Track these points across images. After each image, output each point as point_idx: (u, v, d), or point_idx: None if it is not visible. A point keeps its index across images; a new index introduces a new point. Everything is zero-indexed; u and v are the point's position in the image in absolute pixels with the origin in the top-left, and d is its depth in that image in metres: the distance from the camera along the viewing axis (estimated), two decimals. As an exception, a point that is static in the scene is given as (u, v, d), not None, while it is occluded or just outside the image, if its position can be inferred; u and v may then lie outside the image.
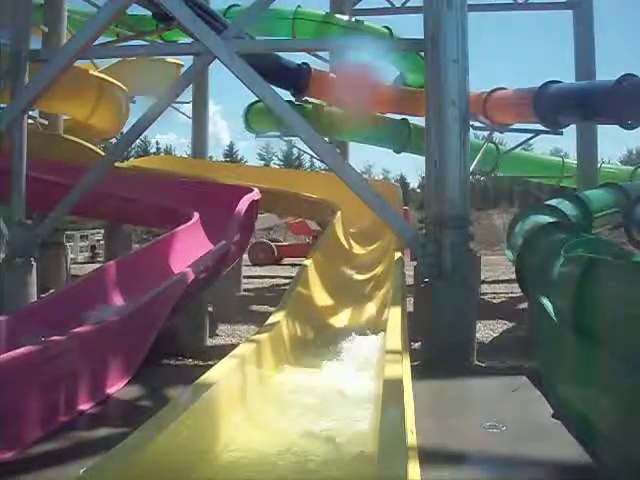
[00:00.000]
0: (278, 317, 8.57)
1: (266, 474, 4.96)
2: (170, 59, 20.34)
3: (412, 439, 4.39)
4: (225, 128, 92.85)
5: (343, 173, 10.75)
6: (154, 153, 56.22)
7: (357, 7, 21.15)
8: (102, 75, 17.41)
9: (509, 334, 12.11)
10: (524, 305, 13.51)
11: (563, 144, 34.00)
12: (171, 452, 4.51)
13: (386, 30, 18.63)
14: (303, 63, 17.70)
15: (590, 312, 6.82)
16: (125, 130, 16.57)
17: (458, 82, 10.12)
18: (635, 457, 5.07)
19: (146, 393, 7.88)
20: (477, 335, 10.12)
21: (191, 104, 20.56)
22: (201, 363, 9.16)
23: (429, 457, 4.50)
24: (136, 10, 13.92)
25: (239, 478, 4.93)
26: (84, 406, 7.16)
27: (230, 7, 18.01)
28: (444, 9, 9.95)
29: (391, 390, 5.01)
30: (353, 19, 18.15)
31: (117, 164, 13.17)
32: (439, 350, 9.36)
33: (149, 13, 13.53)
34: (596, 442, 5.76)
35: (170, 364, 9.35)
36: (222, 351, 7.43)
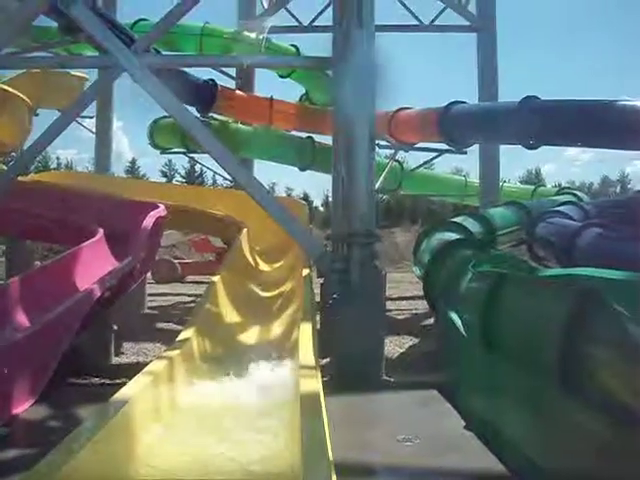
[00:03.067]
0: (188, 334, 8.51)
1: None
2: (75, 72, 19.96)
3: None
4: (127, 144, 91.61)
5: (252, 190, 10.76)
6: (54, 168, 54.86)
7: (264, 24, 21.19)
8: (4, 87, 16.97)
9: (416, 349, 12.26)
10: (429, 321, 13.71)
11: (465, 164, 34.80)
12: (86, 476, 4.42)
13: (293, 48, 18.80)
14: (210, 79, 17.67)
15: (498, 325, 6.99)
16: (27, 144, 16.18)
17: (366, 100, 10.26)
18: (544, 463, 5.23)
19: (53, 413, 7.69)
20: (385, 351, 10.21)
21: (95, 119, 20.21)
22: (108, 382, 9.03)
23: (345, 471, 4.51)
24: (41, 21, 13.61)
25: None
26: (-12, 427, 6.94)
27: (138, 21, 17.85)
28: (353, 28, 10.08)
29: (309, 404, 5.03)
30: (261, 36, 18.20)
31: (19, 178, 12.80)
32: (348, 366, 9.40)
33: (54, 24, 13.27)
34: (507, 451, 5.89)
35: (77, 383, 9.18)
36: (128, 369, 7.35)
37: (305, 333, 7.93)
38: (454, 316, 8.62)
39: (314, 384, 5.66)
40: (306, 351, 7.01)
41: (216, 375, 8.47)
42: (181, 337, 8.37)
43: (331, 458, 4.21)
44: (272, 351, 9.52)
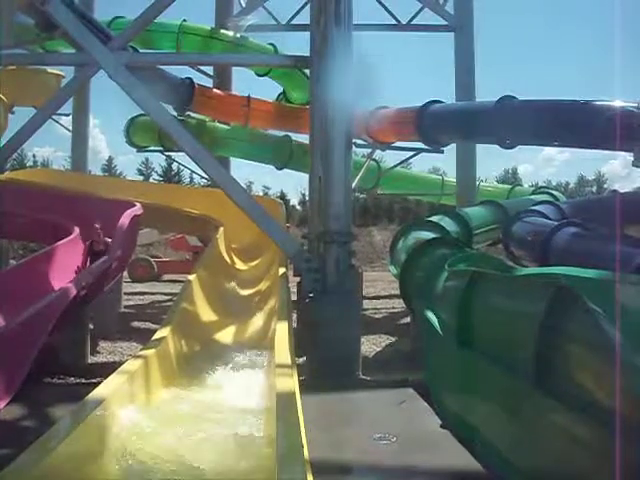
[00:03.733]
0: (164, 332, 8.48)
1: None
2: (51, 69, 19.81)
3: (304, 452, 4.41)
4: (104, 142, 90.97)
5: (229, 188, 10.76)
6: (30, 166, 54.45)
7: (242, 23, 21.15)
8: (-22, 84, 16.83)
9: (392, 348, 12.31)
10: (406, 320, 13.76)
11: (442, 163, 34.85)
12: (61, 473, 4.39)
13: (271, 47, 18.78)
14: (187, 78, 17.61)
15: (474, 324, 7.02)
16: (3, 141, 16.05)
17: (343, 99, 10.27)
18: (518, 461, 5.25)
19: (28, 412, 7.63)
20: (361, 349, 10.23)
21: (71, 116, 20.10)
22: (83, 381, 8.99)
23: (321, 469, 4.51)
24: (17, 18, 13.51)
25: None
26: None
27: (115, 19, 17.75)
28: (331, 27, 10.09)
29: (284, 403, 5.03)
30: (238, 35, 18.16)
31: (-6, 176, 12.73)
32: (324, 365, 9.42)
33: (30, 21, 13.18)
34: (483, 449, 5.92)
35: (52, 382, 9.14)
36: (104, 369, 7.31)
37: (281, 332, 7.92)
38: (430, 315, 8.64)
39: (290, 383, 5.66)
40: (282, 350, 7.00)
41: (191, 374, 8.47)
42: (156, 336, 8.34)
43: (306, 458, 4.21)
44: (248, 349, 9.53)
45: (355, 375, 9.47)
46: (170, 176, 61.75)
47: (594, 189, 62.34)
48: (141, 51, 15.37)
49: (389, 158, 24.75)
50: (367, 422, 7.42)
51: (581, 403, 4.45)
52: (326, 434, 6.55)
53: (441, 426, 6.94)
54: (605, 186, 60.69)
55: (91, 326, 11.23)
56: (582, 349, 4.72)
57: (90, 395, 5.48)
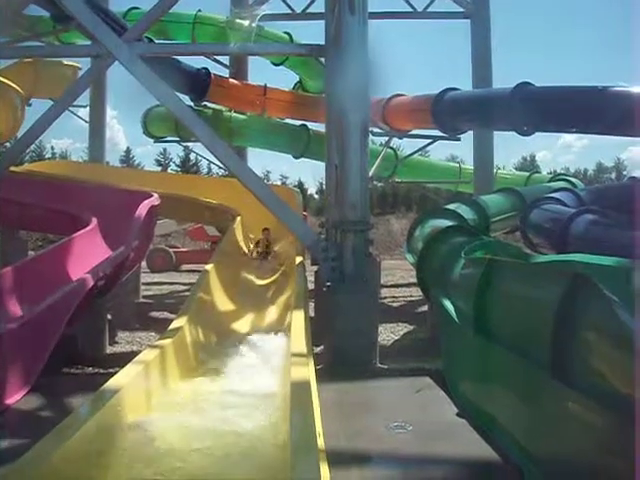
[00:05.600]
0: (181, 322, 8.50)
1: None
2: (67, 61, 19.86)
3: (320, 441, 4.41)
4: (122, 133, 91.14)
5: (245, 178, 10.75)
6: (49, 158, 54.68)
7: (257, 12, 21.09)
8: (-4, 77, 16.90)
9: (410, 336, 12.28)
10: (424, 308, 13.72)
11: (459, 151, 34.71)
12: (75, 462, 4.41)
13: (286, 36, 18.73)
14: (203, 68, 17.60)
15: (490, 312, 6.99)
16: (20, 133, 16.09)
17: (359, 88, 10.23)
18: (535, 450, 5.24)
19: (46, 403, 7.66)
20: (379, 338, 10.22)
21: (88, 108, 20.17)
22: (101, 371, 9.01)
23: (337, 458, 4.52)
24: (32, 10, 13.55)
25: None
26: (-19, 417, 6.94)
27: (130, 10, 17.74)
28: (346, 15, 10.04)
29: (299, 392, 5.03)
30: (254, 24, 18.12)
31: (12, 168, 12.76)
32: (342, 353, 9.41)
33: (46, 14, 13.23)
34: (500, 438, 5.90)
35: (70, 373, 9.17)
36: (122, 359, 7.31)
37: (297, 320, 7.93)
38: (447, 302, 8.63)
39: (305, 372, 5.66)
40: (298, 339, 7.01)
41: (205, 363, 8.49)
42: (173, 326, 8.36)
43: (321, 447, 4.21)
44: (265, 339, 9.54)
45: (372, 363, 9.46)
46: (188, 166, 61.77)
47: (613, 176, 61.88)
48: (156, 42, 15.37)
49: (407, 146, 24.65)
50: (383, 410, 7.42)
51: (598, 391, 4.42)
52: (342, 422, 6.54)
53: (457, 414, 6.92)
54: (624, 173, 60.24)
55: (109, 316, 11.27)
56: (599, 337, 4.69)
57: (106, 385, 5.50)
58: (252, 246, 16.34)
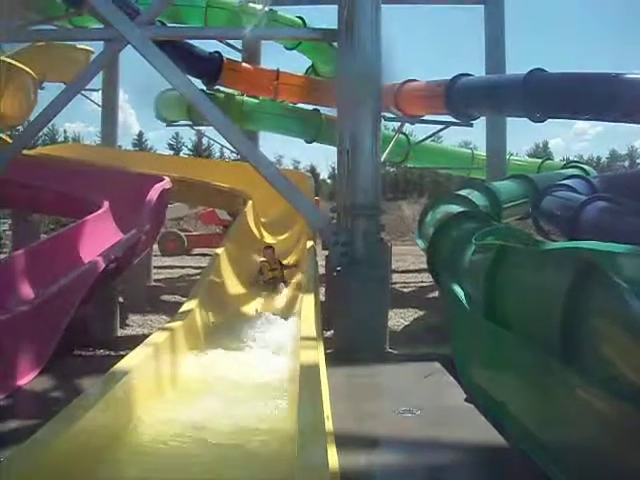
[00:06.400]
0: (191, 305, 8.54)
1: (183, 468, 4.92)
2: (80, 45, 19.89)
3: (328, 424, 4.44)
4: (134, 117, 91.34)
5: (256, 162, 10.76)
6: (62, 141, 54.92)
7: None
8: (9, 60, 16.88)
9: (420, 322, 12.30)
10: (434, 294, 13.74)
11: (472, 137, 34.50)
12: (84, 444, 4.44)
13: (299, 20, 18.69)
14: (215, 52, 17.58)
15: (500, 298, 7.00)
16: (33, 117, 16.14)
17: (371, 73, 10.21)
18: (544, 436, 5.25)
19: (57, 384, 7.73)
20: (389, 323, 10.24)
21: (100, 92, 20.21)
22: (112, 353, 9.05)
23: (345, 442, 4.54)
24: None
25: (156, 469, 4.87)
26: (-6, 398, 6.99)
27: (143, -7, 17.74)
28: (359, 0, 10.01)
29: (307, 376, 5.06)
30: (266, 8, 18.07)
31: (25, 152, 12.81)
32: (352, 338, 9.44)
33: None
34: (508, 424, 5.91)
35: (81, 355, 9.23)
36: (133, 341, 7.32)
37: (307, 305, 7.95)
38: (457, 288, 8.63)
39: (314, 356, 5.68)
40: (308, 323, 7.03)
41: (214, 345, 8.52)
42: (184, 308, 8.40)
43: (329, 430, 4.24)
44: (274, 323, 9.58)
45: (382, 348, 9.48)
46: (200, 150, 61.90)
47: (626, 164, 61.66)
48: (168, 25, 15.37)
49: (419, 132, 24.57)
50: (392, 395, 7.44)
51: (607, 378, 4.42)
52: (350, 406, 6.57)
53: (466, 400, 6.94)
54: (638, 161, 60.05)
55: (121, 299, 11.33)
56: (609, 324, 4.69)
57: (116, 366, 5.54)
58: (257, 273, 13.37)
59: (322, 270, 10.99)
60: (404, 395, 7.19)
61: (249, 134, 18.65)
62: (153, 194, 11.85)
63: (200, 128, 21.81)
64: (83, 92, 16.89)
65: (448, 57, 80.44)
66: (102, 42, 12.57)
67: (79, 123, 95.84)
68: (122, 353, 7.17)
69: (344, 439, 4.56)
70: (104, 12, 10.50)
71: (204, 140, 56.50)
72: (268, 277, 12.79)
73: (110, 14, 10.46)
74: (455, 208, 11.92)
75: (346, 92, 10.52)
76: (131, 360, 5.83)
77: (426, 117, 17.80)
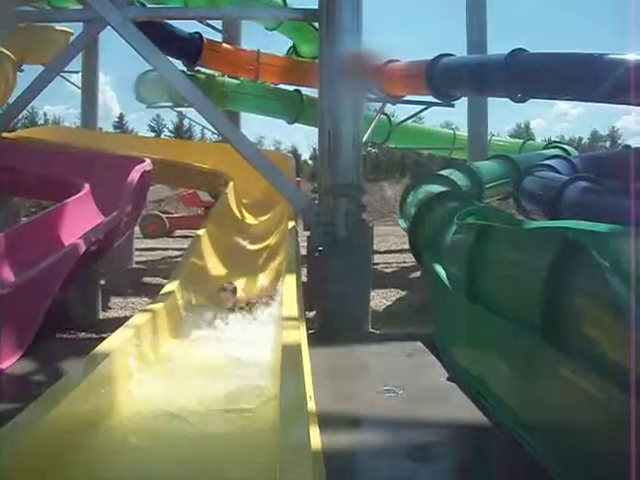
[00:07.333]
0: (172, 287, 8.52)
1: (167, 450, 4.91)
2: (59, 27, 19.68)
3: (311, 404, 4.44)
4: (115, 99, 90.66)
5: (237, 143, 10.73)
6: (42, 124, 54.45)
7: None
8: (-14, 43, 16.73)
9: (402, 302, 12.34)
10: (416, 274, 13.77)
11: (454, 117, 34.52)
12: (67, 426, 4.43)
13: (280, 0, 18.59)
14: (195, 32, 17.49)
15: (482, 277, 7.02)
16: (12, 100, 15.99)
17: (352, 53, 10.19)
18: (525, 415, 5.28)
19: (39, 367, 7.71)
20: (371, 303, 10.27)
21: (80, 74, 20.02)
22: (94, 336, 9.02)
23: (327, 422, 4.54)
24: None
25: (137, 453, 4.86)
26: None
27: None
28: (340, -21, 9.98)
29: (290, 356, 5.06)
30: (247, -12, 17.97)
31: (4, 134, 12.69)
32: (334, 318, 9.46)
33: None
34: (490, 403, 5.95)
35: (63, 338, 9.21)
36: (115, 324, 7.31)
37: (289, 285, 7.95)
38: (439, 268, 8.65)
39: (296, 336, 5.68)
40: (290, 303, 7.03)
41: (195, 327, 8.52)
42: (164, 290, 8.39)
43: (311, 410, 4.24)
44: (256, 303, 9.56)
45: (364, 328, 9.51)
46: (181, 132, 61.57)
47: (607, 144, 61.87)
48: (148, 6, 15.26)
49: (400, 112, 24.54)
50: (374, 375, 7.48)
51: (588, 357, 4.44)
52: (333, 386, 6.61)
53: (448, 379, 6.98)
54: (619, 142, 60.25)
55: (102, 282, 11.28)
56: (590, 303, 4.71)
57: (97, 348, 5.53)
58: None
59: (304, 251, 10.97)
60: (386, 375, 7.22)
61: (230, 115, 18.61)
62: (134, 176, 11.75)
63: (181, 109, 21.76)
64: (63, 74, 16.72)
65: (430, 37, 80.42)
66: (81, 23, 12.52)
67: (60, 105, 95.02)
68: (104, 336, 7.16)
69: (326, 419, 4.56)
70: (83, -8, 10.41)
71: (185, 122, 56.19)
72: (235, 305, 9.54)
73: (89, -6, 10.38)
74: (437, 188, 11.93)
75: (328, 73, 10.48)
76: (112, 342, 5.81)
77: (408, 97, 17.75)
